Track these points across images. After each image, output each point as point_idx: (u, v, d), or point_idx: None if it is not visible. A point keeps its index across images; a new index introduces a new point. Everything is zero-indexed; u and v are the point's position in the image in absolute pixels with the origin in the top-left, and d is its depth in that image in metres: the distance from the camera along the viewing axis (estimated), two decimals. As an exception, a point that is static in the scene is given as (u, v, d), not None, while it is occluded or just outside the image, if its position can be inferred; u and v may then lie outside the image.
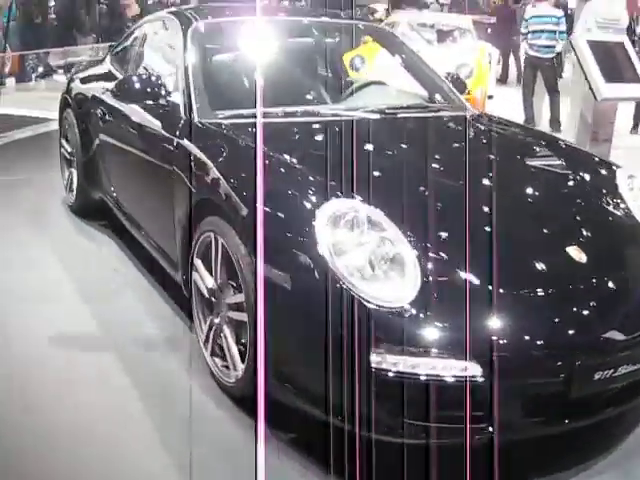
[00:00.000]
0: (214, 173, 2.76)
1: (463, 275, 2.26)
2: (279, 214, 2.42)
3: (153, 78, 3.30)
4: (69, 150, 4.79)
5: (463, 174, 2.66)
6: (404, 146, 3.01)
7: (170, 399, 2.76)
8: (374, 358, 2.11)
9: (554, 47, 8.25)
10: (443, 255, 2.32)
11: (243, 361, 2.60)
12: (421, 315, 2.14)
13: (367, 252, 2.25)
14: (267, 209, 2.43)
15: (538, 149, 3.30)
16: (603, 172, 3.10)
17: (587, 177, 3.04)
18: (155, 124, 3.37)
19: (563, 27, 8.18)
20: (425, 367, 2.10)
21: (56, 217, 4.76)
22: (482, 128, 3.41)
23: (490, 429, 2.16)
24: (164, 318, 3.38)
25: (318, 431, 2.34)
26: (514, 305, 2.23)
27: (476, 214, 2.50)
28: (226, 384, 2.72)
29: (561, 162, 3.18)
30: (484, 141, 3.26)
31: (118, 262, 4.04)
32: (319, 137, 3.12)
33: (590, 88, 4.63)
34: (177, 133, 3.15)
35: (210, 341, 2.84)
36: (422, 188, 2.62)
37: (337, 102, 3.70)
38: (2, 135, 7.03)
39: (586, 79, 4.63)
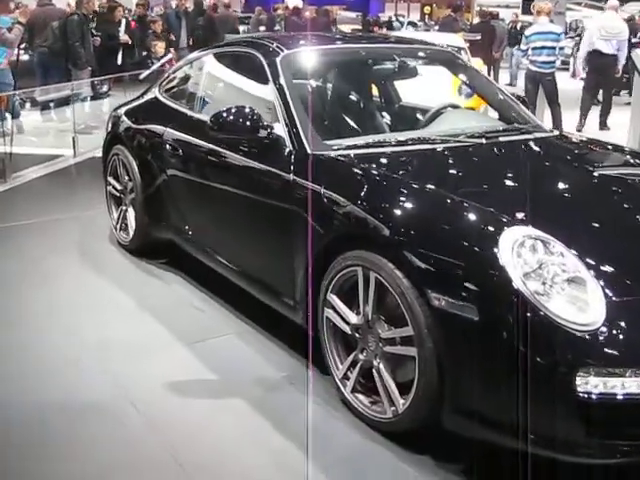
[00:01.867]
0: (355, 208, 2.72)
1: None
2: (451, 245, 2.39)
3: (249, 110, 3.24)
4: (119, 188, 4.68)
5: (606, 194, 2.70)
6: (538, 169, 3.02)
7: (321, 439, 2.71)
8: (579, 381, 2.11)
9: (554, 62, 8.49)
10: (618, 274, 2.33)
11: (402, 396, 2.57)
12: (616, 335, 2.15)
13: (550, 277, 2.25)
14: (436, 240, 2.43)
15: None
16: None
17: None
18: (255, 159, 3.31)
19: (563, 43, 8.42)
20: (624, 386, 2.12)
21: (113, 257, 4.62)
22: (592, 148, 3.46)
23: None
24: (278, 357, 3.31)
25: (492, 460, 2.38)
26: None
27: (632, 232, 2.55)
28: (380, 420, 2.68)
29: None
30: (604, 162, 3.31)
31: (200, 302, 3.94)
32: (448, 163, 3.10)
33: None
34: (291, 168, 3.09)
35: (352, 379, 2.79)
36: (576, 210, 2.64)
37: (425, 127, 3.69)
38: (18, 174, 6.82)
39: None
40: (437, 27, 16.10)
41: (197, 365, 3.26)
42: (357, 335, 2.76)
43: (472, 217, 2.47)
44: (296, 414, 2.88)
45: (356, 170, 2.92)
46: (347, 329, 2.79)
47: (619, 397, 2.13)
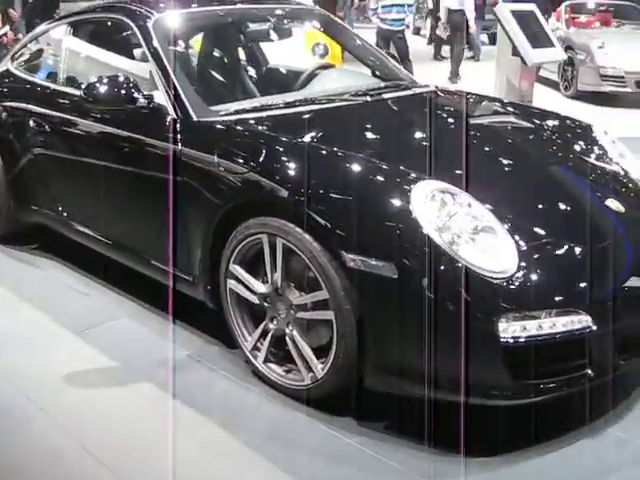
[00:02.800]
0: (253, 174, 2.63)
1: (551, 238, 2.39)
2: (362, 204, 2.37)
3: (123, 79, 3.04)
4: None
5: (499, 144, 2.79)
6: (428, 124, 3.05)
7: (240, 413, 2.65)
8: (501, 327, 2.18)
9: (404, 20, 8.68)
10: (524, 220, 2.42)
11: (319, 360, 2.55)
12: (529, 279, 2.24)
13: (461, 228, 2.29)
14: (344, 201, 2.41)
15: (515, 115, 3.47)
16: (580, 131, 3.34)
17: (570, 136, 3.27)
18: (134, 130, 3.13)
19: (411, 0, 8.60)
20: (546, 326, 2.22)
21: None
22: (472, 101, 3.55)
23: (590, 373, 2.31)
24: (177, 337, 3.18)
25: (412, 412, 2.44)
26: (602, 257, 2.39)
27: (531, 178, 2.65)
28: (298, 388, 2.65)
29: (543, 125, 3.37)
30: (488, 113, 3.40)
31: (83, 286, 3.72)
32: (340, 123, 3.07)
33: (515, 54, 4.99)
34: (177, 137, 2.94)
35: (263, 349, 2.74)
36: (477, 161, 2.69)
37: (302, 88, 3.64)
38: None
39: (514, 46, 4.97)
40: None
41: (92, 352, 3.07)
42: (265, 304, 2.70)
43: (379, 175, 2.46)
44: (208, 390, 2.80)
45: (249, 135, 2.83)
46: (254, 299, 2.72)
47: (538, 338, 2.21)
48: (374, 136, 2.93)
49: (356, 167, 2.53)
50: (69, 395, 2.78)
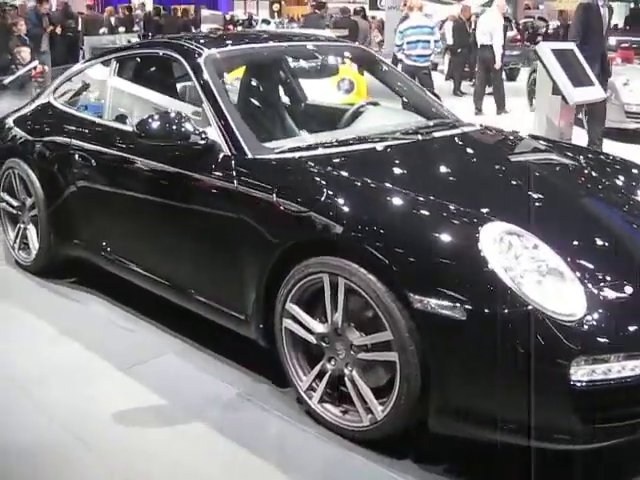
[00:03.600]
0: (315, 213, 2.61)
1: (617, 280, 2.36)
2: (428, 244, 2.36)
3: (175, 115, 3.05)
4: (15, 205, 4.31)
5: (557, 184, 2.78)
6: (484, 164, 3.05)
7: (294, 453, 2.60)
8: (571, 370, 2.15)
9: (429, 55, 8.75)
10: (591, 262, 2.40)
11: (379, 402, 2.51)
12: (599, 323, 2.21)
13: (530, 270, 2.27)
14: (410, 242, 2.39)
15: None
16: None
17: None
18: (187, 167, 3.13)
19: (437, 36, 8.68)
20: (615, 370, 2.20)
21: (16, 280, 4.23)
22: (521, 141, 3.55)
23: None
24: (226, 374, 3.15)
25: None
26: None
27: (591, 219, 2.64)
28: (356, 429, 2.61)
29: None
30: (540, 153, 3.40)
31: (125, 321, 3.70)
32: (395, 161, 3.06)
33: (555, 93, 5.01)
34: (232, 175, 2.93)
35: (319, 389, 2.71)
36: (538, 202, 2.68)
37: (347, 126, 3.65)
38: None
39: (554, 85, 4.99)
40: (301, 24, 16.19)
41: (139, 389, 3.03)
42: (323, 344, 2.67)
43: (446, 215, 2.44)
44: (261, 431, 2.76)
45: (309, 173, 2.82)
46: (312, 339, 2.70)
47: (607, 382, 2.18)
48: (433, 175, 2.92)
49: (421, 207, 2.51)
50: (116, 433, 2.74)
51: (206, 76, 3.24)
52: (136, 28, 14.07)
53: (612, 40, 10.35)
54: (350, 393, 2.61)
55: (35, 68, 8.33)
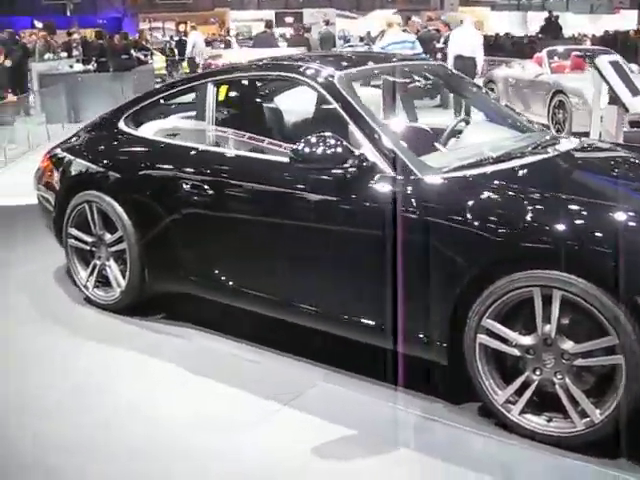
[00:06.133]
0: (525, 230, 2.66)
1: None
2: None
3: (334, 138, 3.01)
4: (89, 240, 4.11)
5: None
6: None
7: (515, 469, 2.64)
8: None
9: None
10: None
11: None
12: None
13: None
14: (628, 246, 2.49)
15: None
16: None
17: None
18: (341, 192, 3.09)
19: (418, 50, 8.87)
20: None
21: (102, 322, 4.01)
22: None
23: None
24: (392, 397, 3.13)
25: None
26: None
27: None
28: (569, 435, 2.68)
29: None
30: None
31: (248, 353, 3.59)
32: (563, 174, 3.16)
33: (612, 103, 5.24)
34: (408, 199, 2.91)
35: (521, 401, 2.75)
36: None
37: (446, 144, 3.69)
38: None
39: (614, 95, 5.21)
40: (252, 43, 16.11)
41: (316, 422, 2.96)
42: (528, 356, 2.72)
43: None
44: (464, 449, 2.77)
45: (498, 191, 2.86)
46: (514, 351, 2.74)
47: None
48: (604, 185, 3.03)
49: (632, 217, 2.61)
50: (319, 474, 2.68)
51: (347, 97, 3.23)
52: (75, 52, 13.61)
53: (560, 48, 10.92)
54: (562, 400, 2.67)
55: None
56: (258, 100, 3.80)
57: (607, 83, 5.38)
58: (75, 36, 15.07)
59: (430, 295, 2.89)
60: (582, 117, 8.69)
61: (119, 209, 3.90)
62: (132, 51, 13.37)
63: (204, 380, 3.34)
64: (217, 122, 3.71)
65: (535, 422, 2.74)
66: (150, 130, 4.05)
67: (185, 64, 15.78)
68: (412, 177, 2.98)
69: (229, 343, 3.69)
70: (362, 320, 3.13)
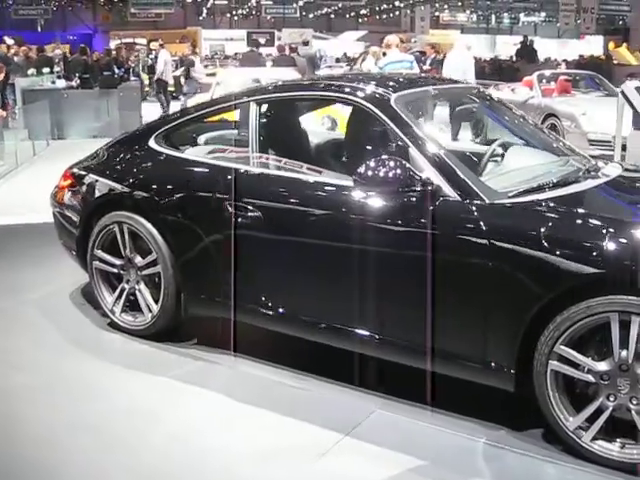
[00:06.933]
0: (603, 255, 2.66)
1: None
2: None
3: (398, 161, 2.99)
4: (117, 263, 3.99)
5: None
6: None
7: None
8: None
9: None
10: None
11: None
12: None
13: None
14: None
15: None
16: None
17: None
18: (402, 215, 3.06)
19: (416, 69, 8.93)
20: None
21: (133, 349, 3.88)
22: None
23: None
24: (450, 425, 3.09)
25: None
26: None
27: None
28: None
29: None
30: None
31: (293, 380, 3.51)
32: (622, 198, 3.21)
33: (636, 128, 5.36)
34: (478, 224, 2.89)
35: (594, 427, 2.74)
36: None
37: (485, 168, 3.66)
38: None
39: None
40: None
41: (384, 452, 2.88)
42: (602, 382, 2.71)
43: None
44: (538, 477, 2.74)
45: (570, 217, 2.87)
46: (589, 378, 2.73)
47: None
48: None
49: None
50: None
51: (406, 119, 3.21)
52: (57, 68, 13.39)
53: (548, 72, 11.11)
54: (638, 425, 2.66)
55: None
56: (303, 121, 3.75)
57: (633, 108, 5.49)
58: (57, 52, 14.86)
59: (500, 322, 2.86)
60: (575, 140, 8.82)
61: (154, 231, 3.79)
62: (114, 68, 13.21)
63: (255, 410, 3.24)
64: (261, 142, 3.64)
65: (607, 448, 2.73)
66: (187, 149, 3.97)
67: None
68: (478, 201, 2.96)
69: (272, 370, 3.60)
70: (427, 346, 3.09)
